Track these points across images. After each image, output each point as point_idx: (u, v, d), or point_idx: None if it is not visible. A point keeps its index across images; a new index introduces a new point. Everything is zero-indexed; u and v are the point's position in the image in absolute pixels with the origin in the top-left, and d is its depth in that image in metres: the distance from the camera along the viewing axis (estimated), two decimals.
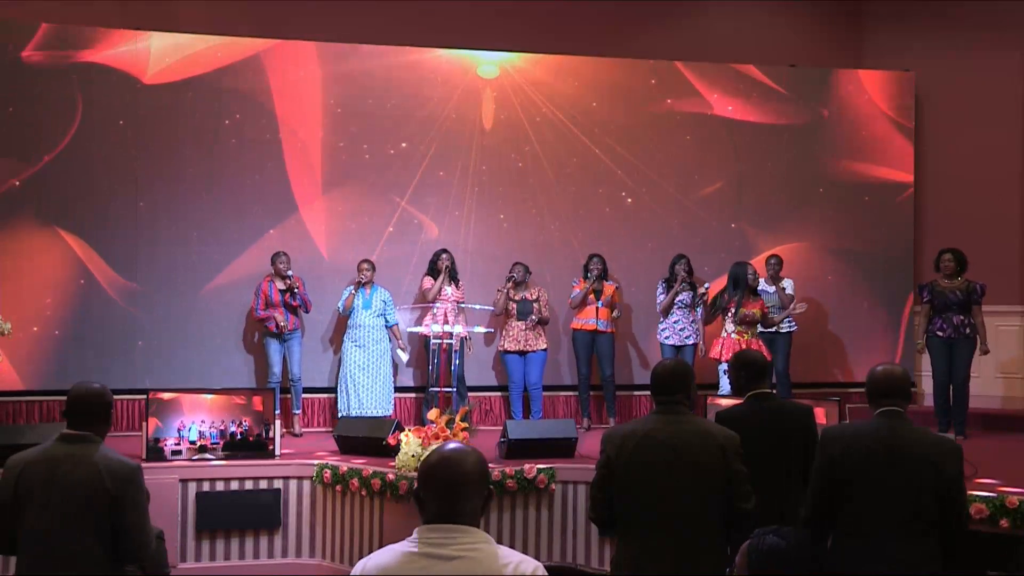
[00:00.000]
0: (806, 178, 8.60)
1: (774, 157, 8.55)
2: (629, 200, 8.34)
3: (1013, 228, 8.45)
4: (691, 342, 7.49)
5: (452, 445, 2.21)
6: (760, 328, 7.46)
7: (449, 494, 2.11)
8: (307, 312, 7.39)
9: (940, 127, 8.72)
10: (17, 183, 7.39)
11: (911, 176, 8.71)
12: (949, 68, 8.63)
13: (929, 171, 8.73)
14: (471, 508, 2.12)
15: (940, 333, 6.97)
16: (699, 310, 7.53)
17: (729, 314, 7.04)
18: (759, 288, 7.50)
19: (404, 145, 8.03)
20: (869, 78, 8.74)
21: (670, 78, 8.44)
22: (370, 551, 5.64)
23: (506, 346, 7.52)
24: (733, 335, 7.10)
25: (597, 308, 7.51)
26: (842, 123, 8.66)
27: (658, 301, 7.60)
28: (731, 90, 8.51)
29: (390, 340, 7.48)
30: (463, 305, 7.48)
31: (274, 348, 7.23)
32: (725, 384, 7.09)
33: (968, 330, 6.93)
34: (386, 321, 7.42)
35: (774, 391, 5.44)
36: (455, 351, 7.17)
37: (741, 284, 7.02)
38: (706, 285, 7.39)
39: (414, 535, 2.10)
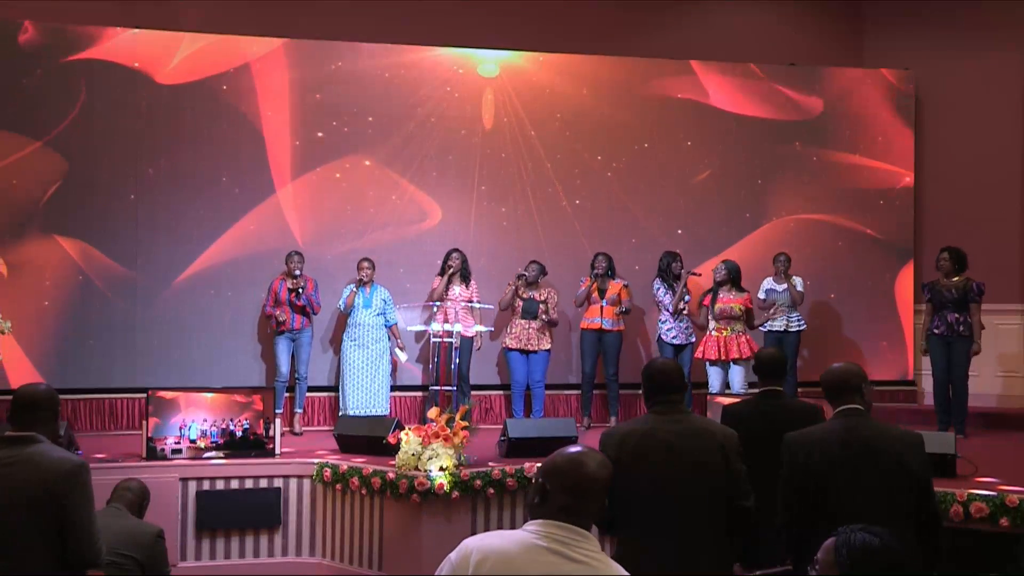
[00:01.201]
0: (806, 177, 8.59)
1: (774, 155, 8.54)
2: (630, 197, 8.34)
3: (1013, 227, 8.45)
4: (694, 340, 7.51)
5: (578, 448, 2.22)
6: (768, 327, 7.46)
7: (578, 495, 2.09)
8: (314, 314, 7.37)
9: (940, 126, 8.72)
10: (15, 181, 7.40)
11: (911, 175, 8.71)
12: (949, 67, 8.63)
13: (929, 170, 8.73)
14: (592, 513, 2.12)
15: (936, 331, 7.00)
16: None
17: (709, 311, 7.24)
18: (768, 287, 7.51)
19: (404, 144, 8.03)
20: (869, 77, 8.74)
21: (670, 76, 8.44)
22: (371, 549, 5.69)
23: (508, 344, 7.52)
24: (713, 333, 7.19)
25: (602, 307, 7.50)
26: (842, 122, 8.66)
27: (663, 301, 7.56)
28: (732, 88, 8.51)
29: (389, 339, 7.48)
30: (473, 304, 7.47)
31: (283, 347, 7.23)
32: (714, 383, 7.13)
33: (963, 328, 6.93)
34: (386, 320, 7.42)
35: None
36: (455, 349, 7.16)
37: (714, 281, 7.34)
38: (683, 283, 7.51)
39: (535, 527, 2.07)
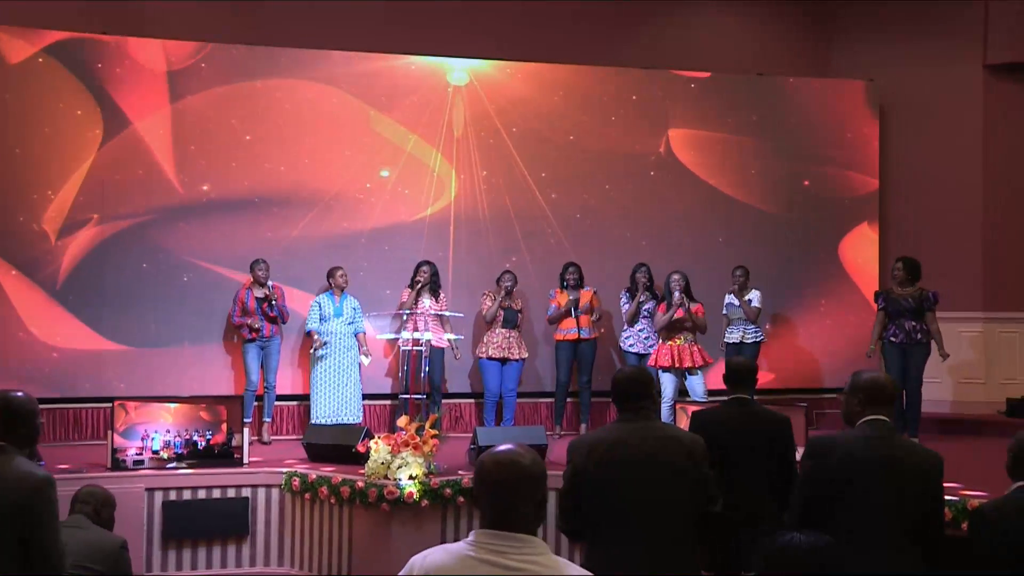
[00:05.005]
0: (772, 187, 8.69)
1: (744, 166, 8.63)
2: (603, 205, 8.38)
3: (974, 235, 8.60)
4: (654, 350, 7.53)
5: (506, 447, 2.12)
6: (726, 339, 7.52)
7: (503, 498, 2.04)
8: (284, 322, 7.33)
9: (904, 135, 8.86)
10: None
11: (876, 184, 8.84)
12: (913, 77, 8.78)
13: (893, 179, 8.87)
14: (526, 513, 2.05)
15: (893, 339, 7.12)
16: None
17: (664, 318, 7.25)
18: (727, 301, 7.57)
19: (376, 151, 8.00)
20: (834, 87, 8.87)
21: (640, 85, 8.51)
22: (339, 559, 5.65)
23: (489, 353, 7.49)
24: (667, 342, 7.24)
25: (578, 317, 7.52)
26: (807, 131, 8.76)
27: (623, 310, 7.65)
28: (700, 98, 8.59)
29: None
30: (442, 313, 7.46)
31: (252, 355, 7.16)
32: (668, 390, 7.11)
33: (920, 336, 7.05)
34: (355, 328, 7.40)
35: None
36: (425, 358, 7.15)
37: (668, 291, 7.30)
38: (677, 293, 7.42)
39: (471, 538, 2.05)
